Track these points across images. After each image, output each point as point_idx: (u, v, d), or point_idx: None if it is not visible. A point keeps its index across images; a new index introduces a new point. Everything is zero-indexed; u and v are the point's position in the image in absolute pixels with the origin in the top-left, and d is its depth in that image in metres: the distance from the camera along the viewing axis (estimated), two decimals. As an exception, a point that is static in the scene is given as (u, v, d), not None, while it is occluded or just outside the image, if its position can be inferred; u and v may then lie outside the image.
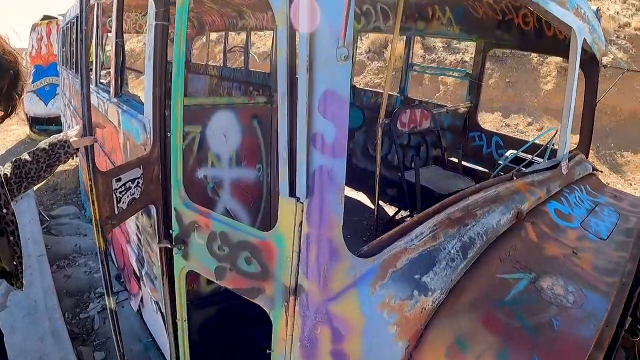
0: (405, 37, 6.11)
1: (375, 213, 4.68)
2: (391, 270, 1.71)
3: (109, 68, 4.73)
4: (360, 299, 1.61)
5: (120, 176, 2.35)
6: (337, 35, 1.43)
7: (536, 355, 1.60)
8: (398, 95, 6.00)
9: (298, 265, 1.58)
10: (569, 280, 2.19)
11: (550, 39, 4.58)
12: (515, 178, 2.73)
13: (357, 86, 6.59)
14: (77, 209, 6.44)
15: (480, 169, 4.97)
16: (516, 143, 5.10)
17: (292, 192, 1.55)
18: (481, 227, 2.13)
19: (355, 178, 6.26)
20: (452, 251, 1.93)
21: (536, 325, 1.76)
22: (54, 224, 5.98)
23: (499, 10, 4.75)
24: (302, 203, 1.53)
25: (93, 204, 2.17)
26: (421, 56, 12.26)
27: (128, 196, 2.45)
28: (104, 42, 4.74)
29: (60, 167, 8.04)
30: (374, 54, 12.87)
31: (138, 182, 2.52)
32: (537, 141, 4.90)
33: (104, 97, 4.12)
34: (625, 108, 9.22)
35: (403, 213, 5.40)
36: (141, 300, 3.80)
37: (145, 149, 2.89)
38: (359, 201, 5.72)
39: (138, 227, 3.39)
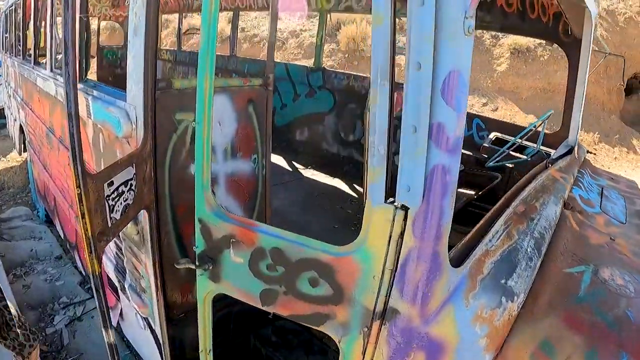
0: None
1: (365, 201, 4.34)
2: (480, 278, 1.41)
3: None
4: (456, 315, 1.30)
5: (113, 179, 1.88)
6: (467, 3, 1.08)
7: (623, 351, 1.44)
8: (373, 78, 5.65)
9: (390, 284, 1.22)
10: (622, 268, 2.06)
11: (533, 21, 4.40)
12: (550, 166, 2.48)
13: (326, 68, 6.21)
14: (28, 210, 5.69)
15: (467, 152, 4.74)
16: (498, 125, 4.92)
17: (388, 198, 1.19)
18: (545, 220, 1.86)
19: (329, 164, 5.92)
20: (528, 249, 1.65)
21: (615, 319, 1.60)
22: (5, 229, 5.24)
23: (482, -9, 4.52)
24: (406, 211, 1.16)
25: (83, 216, 1.69)
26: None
27: (121, 202, 1.98)
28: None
29: (7, 164, 7.09)
30: (326, 36, 12.47)
31: (131, 185, 2.05)
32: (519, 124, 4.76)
33: (62, 83, 3.51)
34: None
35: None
36: (120, 313, 3.29)
37: (129, 142, 2.41)
38: (337, 188, 5.36)
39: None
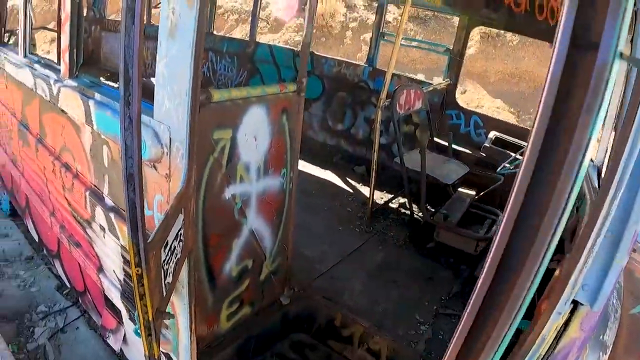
0: (377, 3, 5.31)
1: (370, 201, 4.06)
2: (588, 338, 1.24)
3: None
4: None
5: (168, 239, 1.44)
6: None
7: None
8: (366, 65, 5.27)
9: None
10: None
11: (539, 23, 4.17)
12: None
13: (316, 52, 5.72)
14: (-11, 202, 4.93)
15: (466, 150, 4.52)
16: (496, 124, 4.73)
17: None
18: None
19: (315, 153, 5.53)
20: (613, 300, 1.49)
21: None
22: (-35, 226, 4.49)
23: (490, -12, 4.24)
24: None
25: (142, 298, 1.27)
26: (343, 14, 11.45)
27: (173, 261, 1.55)
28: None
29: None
30: (295, 11, 11.75)
31: (180, 235, 1.61)
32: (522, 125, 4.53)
33: (45, 75, 2.89)
34: (542, 75, 9.43)
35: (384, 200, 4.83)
36: (124, 339, 2.84)
37: (155, 167, 1.93)
38: (330, 182, 5.01)
39: (126, 260, 2.41)
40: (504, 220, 1.11)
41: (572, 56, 0.92)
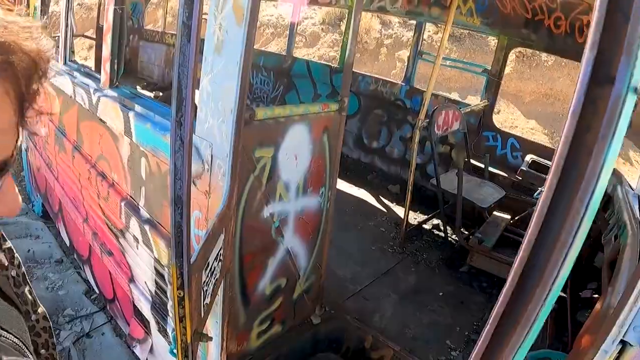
0: (415, 22, 5.26)
1: (405, 222, 3.97)
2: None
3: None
4: None
5: (209, 260, 1.40)
6: None
7: None
8: (403, 84, 5.21)
9: None
10: None
11: (580, 45, 4.04)
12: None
13: (356, 71, 5.69)
14: (23, 203, 5.00)
15: (502, 174, 4.39)
16: (533, 147, 4.58)
17: None
18: None
19: (350, 171, 5.46)
20: None
21: None
22: (-2, 226, 4.56)
23: (530, 9, 4.11)
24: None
25: (182, 320, 1.22)
26: (378, 31, 11.44)
27: (212, 282, 1.50)
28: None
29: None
30: (328, 25, 11.80)
31: (220, 255, 1.56)
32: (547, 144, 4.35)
33: (84, 84, 2.93)
34: (578, 97, 9.15)
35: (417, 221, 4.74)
36: (151, 349, 2.81)
37: (195, 183, 1.91)
38: (364, 200, 4.93)
39: (159, 272, 2.39)
40: (524, 244, 1.05)
41: (592, 89, 0.95)
